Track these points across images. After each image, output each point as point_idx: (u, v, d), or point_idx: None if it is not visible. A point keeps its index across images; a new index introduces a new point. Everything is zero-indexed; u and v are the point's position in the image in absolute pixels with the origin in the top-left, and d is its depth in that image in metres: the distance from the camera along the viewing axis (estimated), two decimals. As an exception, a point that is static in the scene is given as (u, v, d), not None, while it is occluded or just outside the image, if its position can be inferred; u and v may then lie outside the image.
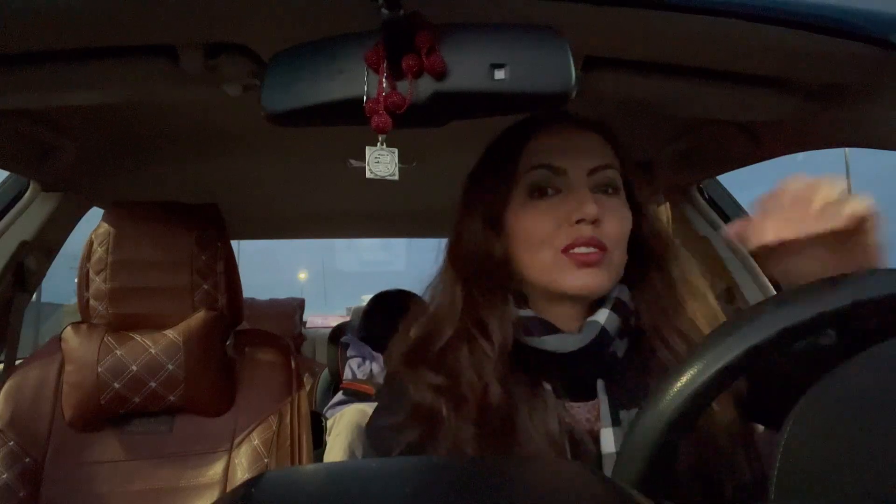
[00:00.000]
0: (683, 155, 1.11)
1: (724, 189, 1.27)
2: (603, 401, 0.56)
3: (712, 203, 1.27)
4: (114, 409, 0.98)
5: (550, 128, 0.61)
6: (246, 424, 1.02)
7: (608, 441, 0.54)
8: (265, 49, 0.65)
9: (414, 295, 0.67)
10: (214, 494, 0.97)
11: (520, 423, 0.54)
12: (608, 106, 0.81)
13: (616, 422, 0.55)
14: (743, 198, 1.28)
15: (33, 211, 1.16)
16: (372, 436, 0.62)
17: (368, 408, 1.53)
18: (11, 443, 0.93)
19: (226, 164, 1.26)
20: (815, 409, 0.30)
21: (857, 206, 0.43)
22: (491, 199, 0.60)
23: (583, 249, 0.55)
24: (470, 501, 0.23)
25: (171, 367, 0.98)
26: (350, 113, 0.52)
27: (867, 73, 0.65)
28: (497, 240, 0.59)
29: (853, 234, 0.44)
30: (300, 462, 1.03)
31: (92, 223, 1.08)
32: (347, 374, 1.99)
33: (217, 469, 1.00)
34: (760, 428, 0.59)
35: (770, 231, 0.46)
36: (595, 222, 0.55)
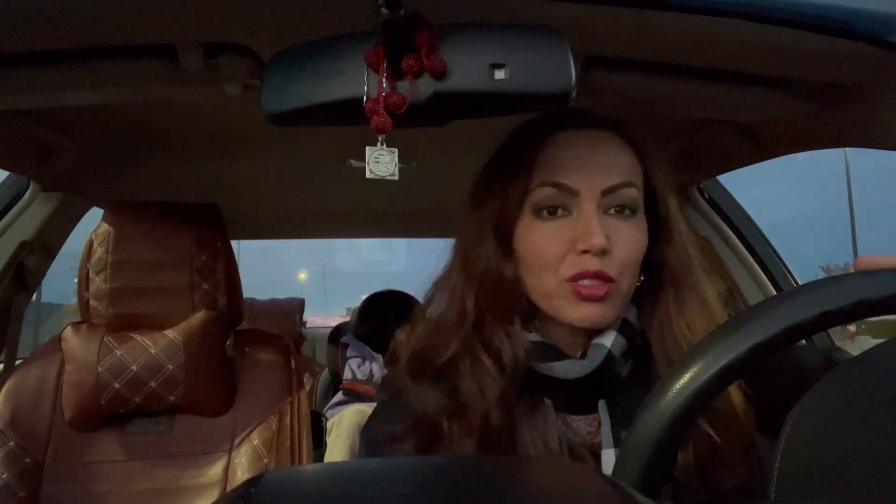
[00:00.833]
0: (683, 155, 1.11)
1: (724, 189, 1.27)
2: (605, 422, 0.55)
3: (712, 203, 1.27)
4: (114, 409, 0.98)
5: (565, 135, 0.56)
6: (246, 424, 1.02)
7: (609, 462, 0.53)
8: (265, 49, 0.65)
9: (407, 295, 0.66)
10: (214, 494, 0.97)
11: (519, 438, 0.54)
12: (607, 106, 0.81)
13: (617, 443, 0.54)
14: (743, 198, 1.28)
15: (33, 211, 1.16)
16: (368, 444, 0.61)
17: (368, 408, 1.54)
18: (11, 443, 0.93)
19: (226, 164, 1.26)
20: (815, 409, 0.30)
21: None
22: (501, 214, 0.57)
23: (587, 283, 0.52)
24: (470, 501, 0.23)
25: (171, 367, 0.98)
26: (350, 113, 0.52)
27: (867, 73, 0.65)
28: (508, 261, 0.57)
29: None
30: (300, 462, 1.03)
31: (92, 223, 1.08)
32: (347, 374, 1.99)
33: (217, 469, 1.00)
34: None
35: None
36: (603, 252, 0.52)
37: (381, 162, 0.54)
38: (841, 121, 0.77)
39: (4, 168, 1.06)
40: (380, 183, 0.55)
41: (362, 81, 0.51)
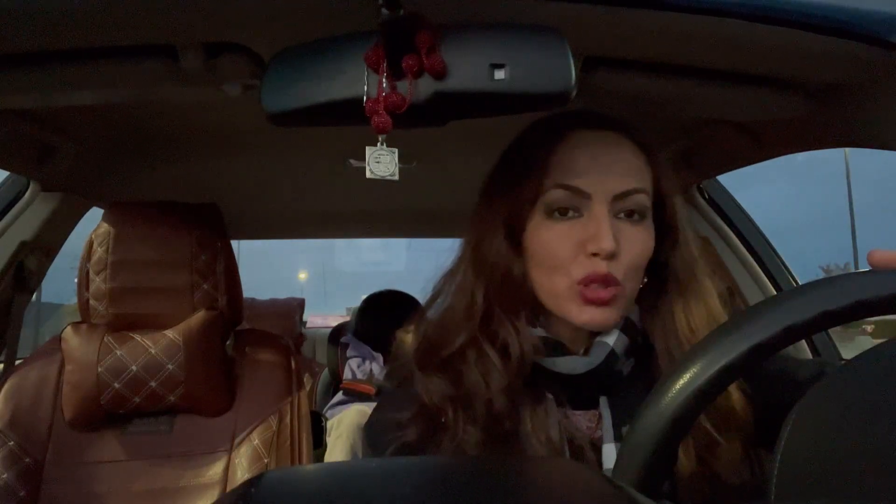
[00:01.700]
0: (683, 155, 1.11)
1: (724, 189, 1.27)
2: (605, 417, 0.56)
3: (712, 203, 1.27)
4: (114, 409, 0.98)
5: (579, 137, 0.57)
6: (246, 424, 1.02)
7: (610, 457, 0.54)
8: (265, 49, 0.65)
9: (407, 295, 0.67)
10: (214, 494, 0.97)
11: (521, 430, 0.54)
12: (608, 106, 0.81)
13: (618, 438, 0.55)
14: (743, 198, 1.28)
15: (33, 211, 1.16)
16: (369, 430, 0.62)
17: (368, 408, 1.53)
18: (11, 443, 0.93)
19: (226, 164, 1.26)
20: (814, 410, 0.30)
21: None
22: (512, 213, 0.57)
23: (594, 286, 0.53)
24: (470, 501, 0.23)
25: (171, 367, 0.98)
26: (350, 113, 0.52)
27: (867, 73, 0.65)
28: (517, 258, 0.57)
29: None
30: (300, 462, 1.03)
31: (92, 223, 1.08)
32: (347, 374, 2.00)
33: (217, 469, 1.00)
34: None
35: None
36: (611, 256, 0.53)
37: (381, 162, 0.54)
38: (841, 121, 0.77)
39: (4, 168, 1.05)
40: (380, 183, 0.55)
41: (362, 81, 0.51)
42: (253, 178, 1.39)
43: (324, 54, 0.52)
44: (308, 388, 2.21)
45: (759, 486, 0.52)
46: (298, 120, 0.54)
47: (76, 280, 1.03)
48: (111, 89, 0.74)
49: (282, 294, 2.88)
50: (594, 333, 0.57)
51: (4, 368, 1.19)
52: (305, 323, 3.45)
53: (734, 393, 0.53)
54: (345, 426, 1.73)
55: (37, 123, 0.95)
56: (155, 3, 0.56)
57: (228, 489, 0.98)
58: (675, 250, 0.58)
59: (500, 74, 0.49)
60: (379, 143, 0.54)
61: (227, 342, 1.10)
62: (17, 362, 1.12)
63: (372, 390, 1.86)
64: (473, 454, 0.53)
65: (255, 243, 2.91)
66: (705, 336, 0.35)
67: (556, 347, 0.57)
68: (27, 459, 0.94)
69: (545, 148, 0.57)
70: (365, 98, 0.51)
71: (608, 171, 0.55)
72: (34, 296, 1.28)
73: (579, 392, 0.58)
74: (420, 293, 0.65)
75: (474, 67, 0.50)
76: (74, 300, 1.06)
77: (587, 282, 0.53)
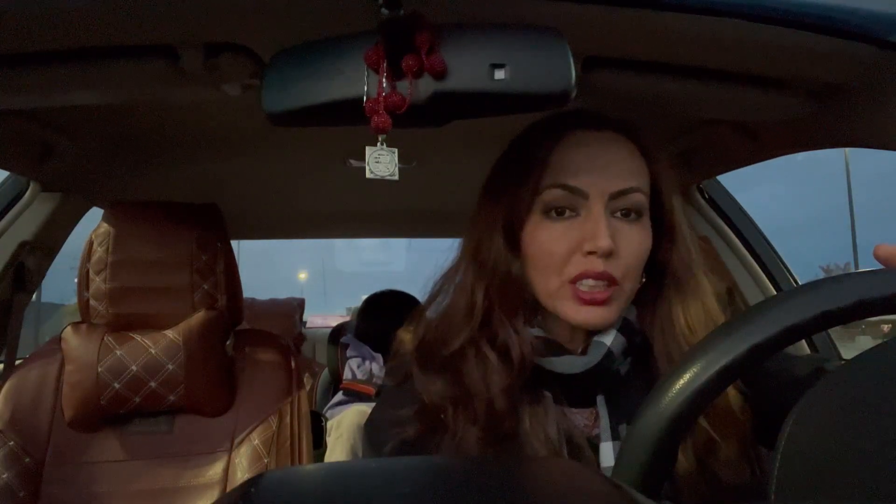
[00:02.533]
0: (683, 155, 1.11)
1: (724, 189, 1.27)
2: (603, 416, 0.56)
3: (712, 203, 1.27)
4: (114, 409, 0.98)
5: (577, 136, 0.57)
6: (246, 424, 1.02)
7: (607, 454, 0.54)
8: (265, 49, 0.65)
9: (409, 295, 0.67)
10: (214, 494, 0.97)
11: (520, 429, 0.55)
12: (607, 106, 0.81)
13: (616, 436, 0.55)
14: (743, 198, 1.28)
15: (33, 211, 1.16)
16: (369, 427, 0.62)
17: (368, 408, 1.53)
18: (11, 443, 0.93)
19: (226, 164, 1.26)
20: (814, 409, 0.30)
21: None
22: (510, 213, 0.58)
23: (590, 283, 0.53)
24: (470, 501, 0.23)
25: (171, 367, 0.98)
26: (350, 113, 0.52)
27: (867, 73, 0.65)
28: (515, 258, 0.58)
29: None
30: (300, 462, 1.03)
31: (92, 223, 1.08)
32: (347, 374, 1.99)
33: (217, 469, 1.00)
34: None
35: None
36: (608, 255, 0.53)
37: (381, 162, 0.54)
38: (841, 121, 0.77)
39: (4, 168, 1.06)
40: (380, 183, 0.55)
41: (362, 81, 0.51)
42: (253, 178, 1.39)
43: (324, 54, 0.52)
44: (308, 388, 2.21)
45: (759, 486, 0.53)
46: (298, 120, 0.54)
47: (76, 280, 1.03)
48: (111, 89, 0.74)
49: (282, 294, 2.88)
50: (591, 333, 0.57)
51: (4, 368, 1.19)
52: (305, 323, 3.45)
53: (731, 391, 0.53)
54: (345, 427, 1.73)
55: (37, 123, 0.95)
56: (155, 3, 0.56)
57: (228, 489, 0.98)
58: (672, 249, 0.58)
59: (500, 74, 0.49)
60: (379, 143, 0.54)
61: (227, 342, 1.10)
62: (17, 362, 1.12)
63: (372, 391, 1.86)
64: (473, 453, 0.53)
65: (255, 243, 2.91)
66: (705, 336, 0.35)
67: (554, 347, 0.57)
68: (27, 459, 0.94)
69: (543, 148, 0.57)
70: (365, 98, 0.51)
71: (605, 170, 0.55)
72: (34, 296, 1.28)
73: (577, 391, 0.58)
74: (420, 293, 0.66)
75: (474, 67, 0.50)
76: (74, 300, 1.06)
77: (581, 277, 0.53)
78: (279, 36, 0.57)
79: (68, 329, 1.02)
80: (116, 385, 0.97)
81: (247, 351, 1.10)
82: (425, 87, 0.50)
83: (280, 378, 1.08)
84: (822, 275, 1.04)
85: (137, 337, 1.00)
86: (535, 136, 0.59)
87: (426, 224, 1.93)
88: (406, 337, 0.64)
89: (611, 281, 0.53)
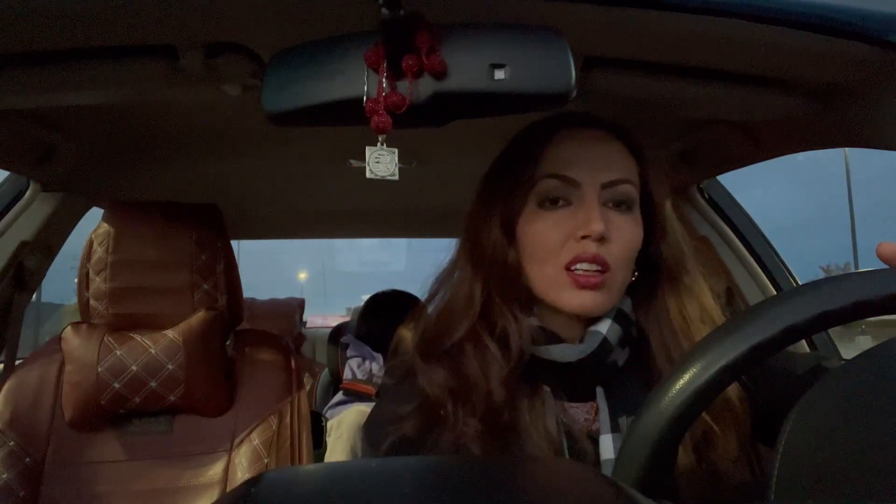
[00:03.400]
0: (683, 155, 1.11)
1: (724, 189, 1.27)
2: (602, 408, 0.57)
3: (712, 203, 1.27)
4: (114, 409, 0.98)
5: (570, 133, 0.60)
6: (246, 424, 1.02)
7: (607, 447, 0.55)
8: (265, 49, 0.65)
9: (410, 295, 0.67)
10: (214, 494, 0.97)
11: (520, 423, 0.55)
12: (608, 106, 0.81)
13: (615, 428, 0.56)
14: (743, 198, 1.28)
15: (33, 211, 1.16)
16: (368, 424, 0.63)
17: (368, 408, 1.54)
18: (11, 443, 0.93)
19: (226, 164, 1.26)
20: (814, 409, 0.30)
21: None
22: (506, 204, 0.59)
23: (585, 267, 0.55)
24: (470, 501, 0.23)
25: (171, 367, 0.98)
26: (350, 113, 0.52)
27: (867, 73, 0.65)
28: (511, 248, 0.59)
29: None
30: (300, 462, 1.03)
31: (92, 223, 1.08)
32: (347, 374, 1.99)
33: (217, 469, 1.00)
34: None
35: None
36: (601, 240, 0.54)
37: (381, 162, 0.54)
38: (841, 121, 0.77)
39: (4, 168, 1.05)
40: (380, 183, 0.55)
41: (362, 81, 0.51)
42: (253, 178, 1.39)
43: (324, 54, 0.52)
44: (308, 388, 2.21)
45: (759, 485, 0.53)
46: (298, 120, 0.54)
47: (76, 280, 1.03)
48: (111, 89, 0.74)
49: (282, 294, 2.88)
50: (588, 323, 0.58)
51: (4, 368, 1.19)
52: (305, 323, 3.45)
53: (730, 387, 0.53)
54: (345, 427, 1.73)
55: (37, 123, 0.95)
56: (155, 4, 0.56)
57: (228, 489, 0.98)
58: (663, 241, 0.60)
59: (500, 74, 0.49)
60: (379, 143, 0.54)
61: (227, 342, 1.10)
62: (17, 362, 1.12)
63: (372, 390, 1.85)
64: (473, 451, 0.53)
65: (255, 243, 2.91)
66: (705, 336, 0.35)
67: (551, 337, 0.58)
68: (27, 459, 0.94)
69: (537, 144, 0.59)
70: (365, 98, 0.51)
71: (597, 162, 0.57)
72: (34, 296, 1.28)
73: (575, 383, 0.59)
74: (421, 293, 0.66)
75: (474, 67, 0.50)
76: (74, 300, 1.06)
77: (575, 262, 0.55)
78: (279, 36, 0.57)
79: (68, 329, 1.02)
80: (116, 385, 0.96)
81: (247, 351, 1.10)
82: (425, 87, 0.50)
83: (280, 378, 1.08)
84: (822, 275, 1.04)
85: (137, 337, 1.00)
86: (529, 135, 0.62)
87: (426, 224, 1.92)
88: (406, 335, 0.64)
89: (604, 266, 0.55)
